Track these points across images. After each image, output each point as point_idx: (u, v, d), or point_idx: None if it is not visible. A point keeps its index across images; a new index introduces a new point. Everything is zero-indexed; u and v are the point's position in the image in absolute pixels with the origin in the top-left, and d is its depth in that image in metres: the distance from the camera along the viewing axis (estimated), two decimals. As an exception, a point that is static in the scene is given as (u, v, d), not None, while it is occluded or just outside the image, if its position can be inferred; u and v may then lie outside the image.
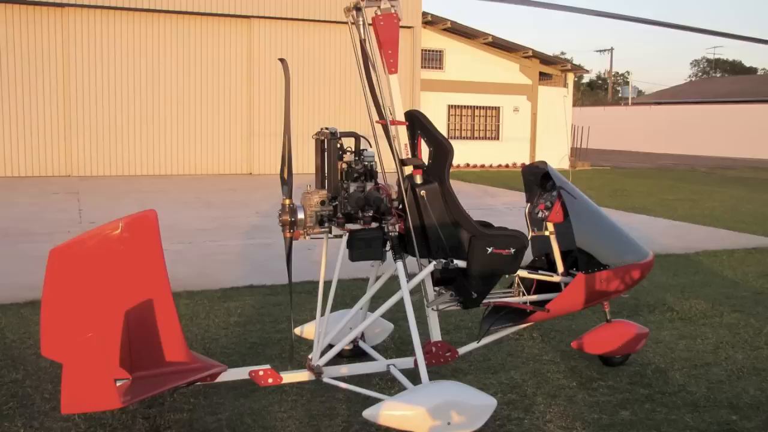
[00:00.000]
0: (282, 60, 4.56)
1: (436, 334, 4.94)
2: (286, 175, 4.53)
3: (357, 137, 4.81)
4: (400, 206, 4.75)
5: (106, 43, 21.96)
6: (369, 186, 4.73)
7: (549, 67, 30.12)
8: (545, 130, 29.52)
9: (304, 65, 24.07)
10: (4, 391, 4.96)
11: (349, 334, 5.03)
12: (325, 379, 4.80)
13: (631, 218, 14.37)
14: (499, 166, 29.04)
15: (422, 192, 4.69)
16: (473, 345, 5.25)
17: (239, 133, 23.77)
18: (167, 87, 22.76)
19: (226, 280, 8.41)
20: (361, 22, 4.67)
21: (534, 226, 5.47)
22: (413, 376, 4.83)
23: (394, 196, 4.77)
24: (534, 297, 5.35)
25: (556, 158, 24.92)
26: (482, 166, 28.67)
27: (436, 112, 27.17)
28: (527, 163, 5.64)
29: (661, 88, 61.88)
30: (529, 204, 5.60)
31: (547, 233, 5.33)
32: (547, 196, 5.42)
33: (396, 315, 6.27)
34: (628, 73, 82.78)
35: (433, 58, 27.90)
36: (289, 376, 4.81)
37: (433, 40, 27.37)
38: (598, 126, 43.24)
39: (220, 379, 4.59)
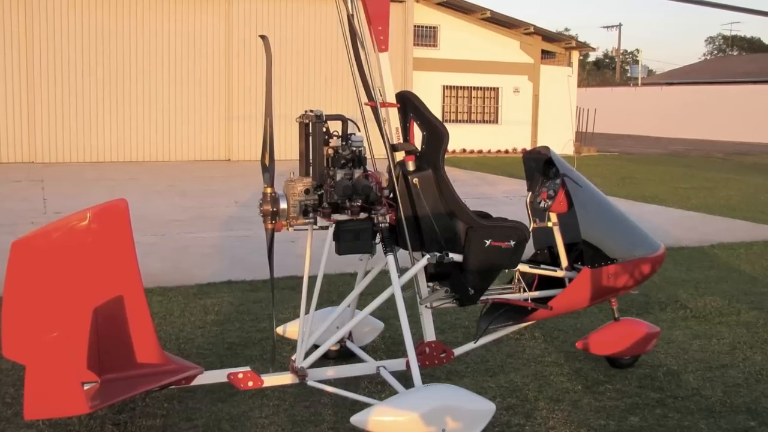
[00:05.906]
0: (263, 37, 4.55)
1: (429, 334, 4.95)
2: (267, 162, 4.53)
3: (344, 120, 4.79)
4: (391, 195, 4.75)
5: (72, 20, 21.80)
6: (357, 173, 4.72)
7: (552, 44, 30.12)
8: (548, 112, 29.53)
9: (287, 43, 23.98)
10: (-39, 396, 4.95)
11: (336, 334, 5.04)
12: (310, 382, 4.81)
13: (640, 208, 14.43)
14: (498, 151, 29.08)
15: (415, 180, 4.70)
16: (470, 345, 5.27)
17: (217, 116, 23.69)
18: (139, 67, 22.63)
19: (202, 275, 8.41)
20: (348, -4, 4.65)
21: (536, 217, 5.47)
22: (405, 378, 4.84)
23: (384, 184, 4.77)
24: (536, 293, 5.36)
25: (560, 143, 24.93)
26: (480, 151, 28.70)
27: (430, 93, 27.13)
28: (528, 148, 5.65)
29: (673, 68, 62.13)
30: (530, 193, 5.60)
31: (549, 224, 5.34)
32: (549, 185, 5.43)
33: (386, 313, 6.28)
34: (637, 51, 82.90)
35: (426, 35, 27.85)
36: (271, 379, 4.81)
37: (426, 15, 27.31)
38: (605, 108, 43.30)
39: (196, 382, 4.59)
